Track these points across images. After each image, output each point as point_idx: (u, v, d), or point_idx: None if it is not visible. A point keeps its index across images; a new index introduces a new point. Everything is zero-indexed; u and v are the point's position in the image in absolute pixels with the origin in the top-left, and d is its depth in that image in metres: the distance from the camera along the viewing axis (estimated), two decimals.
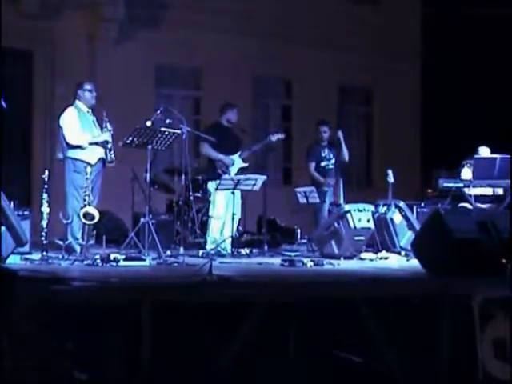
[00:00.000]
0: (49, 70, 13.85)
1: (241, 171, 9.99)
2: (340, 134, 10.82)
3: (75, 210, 8.28)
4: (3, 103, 7.47)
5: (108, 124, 8.69)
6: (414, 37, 17.30)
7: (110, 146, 8.64)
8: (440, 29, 16.32)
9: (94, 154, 8.59)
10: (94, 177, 8.54)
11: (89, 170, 8.29)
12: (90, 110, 8.86)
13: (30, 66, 13.94)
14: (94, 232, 8.64)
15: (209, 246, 9.63)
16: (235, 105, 10.30)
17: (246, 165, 10.08)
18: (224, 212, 9.84)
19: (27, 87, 13.82)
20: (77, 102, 8.84)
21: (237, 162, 10.03)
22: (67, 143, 8.60)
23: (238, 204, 9.87)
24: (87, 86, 8.88)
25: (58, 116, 8.88)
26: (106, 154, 8.64)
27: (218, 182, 9.74)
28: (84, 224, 8.14)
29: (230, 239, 9.71)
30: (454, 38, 16.14)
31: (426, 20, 17.17)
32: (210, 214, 9.94)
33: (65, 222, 8.38)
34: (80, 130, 8.63)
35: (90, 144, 8.58)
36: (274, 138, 10.30)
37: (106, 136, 8.65)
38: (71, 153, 8.57)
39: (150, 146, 8.81)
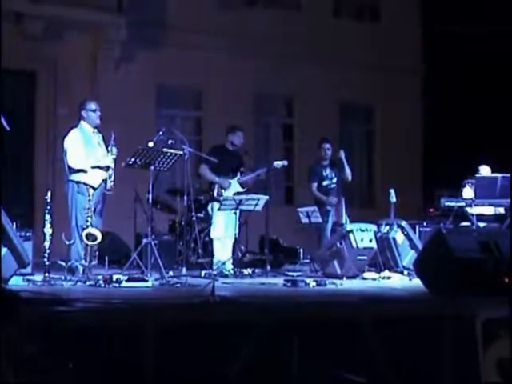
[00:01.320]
0: (51, 91, 13.91)
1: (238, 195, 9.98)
2: (342, 153, 10.81)
3: (79, 232, 8.27)
4: (5, 124, 7.49)
5: (114, 148, 8.55)
6: (414, 54, 17.37)
7: (110, 172, 8.52)
8: (441, 46, 16.38)
9: (97, 177, 8.52)
10: (97, 198, 8.52)
11: (91, 191, 8.29)
12: (95, 130, 8.76)
13: (32, 86, 14.01)
14: (97, 253, 8.63)
15: (215, 267, 9.65)
16: (240, 128, 10.29)
17: (243, 190, 10.06)
18: (224, 232, 9.86)
19: (30, 108, 13.87)
20: (81, 122, 8.73)
21: (233, 185, 10.03)
22: (69, 167, 8.55)
23: (236, 224, 9.88)
24: (91, 106, 8.74)
25: (62, 137, 8.81)
26: (106, 180, 8.55)
27: (216, 203, 9.79)
28: (86, 245, 8.14)
29: (231, 260, 9.76)
30: (455, 55, 16.20)
31: (427, 37, 17.25)
32: (211, 235, 9.98)
33: (67, 243, 8.38)
34: (83, 153, 8.53)
35: (93, 167, 8.51)
36: (278, 165, 10.25)
37: (109, 161, 8.52)
38: (73, 176, 8.51)
39: (152, 167, 8.80)
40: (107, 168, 8.54)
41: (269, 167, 10.26)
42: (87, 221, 8.12)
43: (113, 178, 8.53)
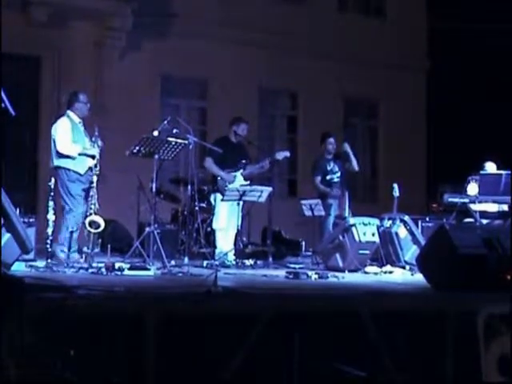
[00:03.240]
0: (56, 78, 13.90)
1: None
2: (346, 145, 10.80)
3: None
4: (11, 110, 7.47)
5: (98, 140, 8.66)
6: (420, 50, 17.36)
7: (96, 161, 8.58)
8: (446, 42, 16.36)
9: (84, 164, 8.60)
10: (85, 186, 8.58)
11: (95, 178, 8.33)
12: (81, 121, 8.84)
13: (37, 73, 13.99)
14: (99, 240, 8.64)
15: (217, 257, 9.65)
16: (244, 120, 10.24)
17: (247, 183, 10.04)
18: (226, 223, 9.85)
19: (34, 94, 13.86)
20: (69, 112, 8.82)
21: (238, 179, 10.01)
22: (57, 152, 8.61)
23: (239, 215, 9.87)
24: (82, 98, 8.86)
25: (50, 126, 8.88)
26: (92, 168, 8.61)
27: (220, 194, 9.79)
28: (89, 232, 8.15)
29: (233, 250, 9.76)
30: (460, 51, 16.17)
31: (433, 33, 17.22)
32: (214, 226, 9.97)
33: (70, 229, 8.40)
34: (71, 140, 8.63)
35: (80, 155, 8.58)
36: (280, 156, 10.17)
37: (94, 151, 8.61)
38: (61, 162, 8.59)
39: (156, 156, 8.81)
40: (93, 157, 8.61)
41: (271, 158, 10.22)
42: (91, 208, 8.16)
43: (98, 168, 8.57)
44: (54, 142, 8.66)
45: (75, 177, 8.49)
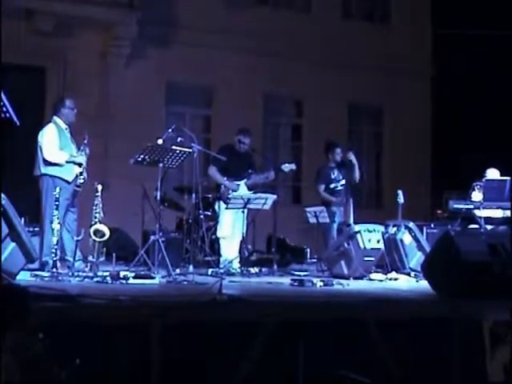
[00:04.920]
0: (61, 87, 13.93)
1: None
2: (351, 154, 10.74)
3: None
4: (16, 120, 7.48)
5: (87, 148, 8.71)
6: (424, 56, 17.35)
7: (82, 169, 8.64)
8: (450, 47, 16.37)
9: (71, 172, 8.62)
10: (71, 194, 8.59)
11: (100, 187, 8.34)
12: (67, 127, 8.85)
13: (42, 82, 14.03)
14: (104, 249, 8.64)
15: (222, 265, 9.65)
16: (249, 133, 10.22)
17: (251, 193, 10.04)
18: (231, 231, 9.85)
19: (39, 104, 13.88)
20: (55, 118, 8.83)
21: (241, 188, 10.02)
22: (44, 159, 8.61)
23: (243, 223, 9.86)
24: (69, 104, 8.86)
25: (37, 132, 8.87)
26: (76, 176, 8.65)
27: (223, 202, 9.79)
28: (94, 241, 8.16)
29: (238, 258, 9.76)
30: (465, 56, 16.18)
31: (437, 39, 17.23)
32: (218, 234, 9.98)
33: (75, 238, 8.41)
34: (58, 147, 8.64)
35: (67, 162, 8.60)
36: (287, 168, 10.16)
37: (82, 159, 8.65)
38: (48, 169, 8.59)
39: (161, 164, 8.82)
40: (80, 165, 8.65)
41: (277, 170, 10.22)
42: (95, 217, 8.16)
43: (84, 175, 8.65)
44: (41, 149, 8.65)
45: (61, 185, 8.48)
